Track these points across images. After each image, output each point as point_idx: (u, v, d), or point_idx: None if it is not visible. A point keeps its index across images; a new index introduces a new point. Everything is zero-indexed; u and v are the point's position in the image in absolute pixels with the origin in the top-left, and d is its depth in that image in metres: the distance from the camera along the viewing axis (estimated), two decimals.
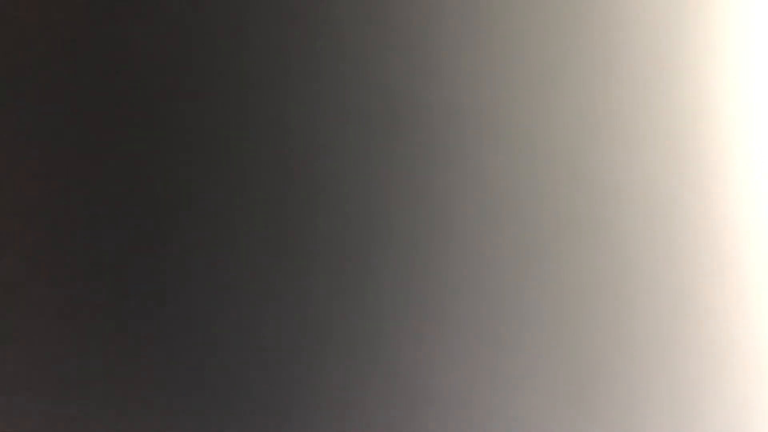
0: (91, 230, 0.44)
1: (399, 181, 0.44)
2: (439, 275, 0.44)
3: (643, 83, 0.45)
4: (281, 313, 0.44)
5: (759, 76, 0.45)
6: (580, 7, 0.45)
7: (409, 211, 0.44)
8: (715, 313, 0.45)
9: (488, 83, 0.44)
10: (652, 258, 0.44)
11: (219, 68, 0.44)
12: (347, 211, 0.44)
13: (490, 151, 0.44)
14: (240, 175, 0.44)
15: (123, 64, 0.44)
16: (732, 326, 0.45)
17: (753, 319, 0.45)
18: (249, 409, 0.43)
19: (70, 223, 0.44)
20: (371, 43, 0.44)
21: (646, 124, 0.45)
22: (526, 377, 0.44)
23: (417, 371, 0.44)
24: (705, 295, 0.45)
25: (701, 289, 0.45)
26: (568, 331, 0.44)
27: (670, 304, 0.44)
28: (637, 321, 0.44)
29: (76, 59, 0.44)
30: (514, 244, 0.44)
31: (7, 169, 0.44)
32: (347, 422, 0.44)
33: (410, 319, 0.44)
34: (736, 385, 0.44)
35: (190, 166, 0.44)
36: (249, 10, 0.44)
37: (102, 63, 0.44)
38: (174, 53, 0.44)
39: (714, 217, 0.45)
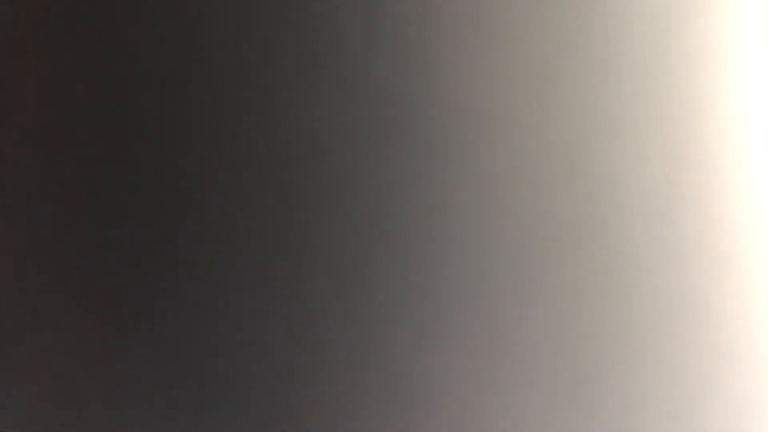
0: (92, 230, 0.44)
1: (398, 182, 0.44)
2: (439, 275, 0.44)
3: (643, 83, 0.45)
4: (281, 313, 0.44)
5: (759, 76, 0.45)
6: (580, 7, 0.45)
7: (409, 211, 0.44)
8: (716, 313, 0.45)
9: (488, 83, 0.44)
10: (652, 258, 0.44)
11: (218, 68, 0.44)
12: (347, 212, 0.44)
13: (489, 151, 0.44)
14: (240, 176, 0.44)
15: (123, 65, 0.44)
16: (732, 326, 0.45)
17: (753, 319, 0.45)
18: (248, 409, 0.44)
19: (71, 224, 0.44)
20: (371, 44, 0.44)
21: (646, 124, 0.45)
22: (526, 377, 0.44)
23: (416, 371, 0.44)
24: (705, 295, 0.45)
25: (701, 289, 0.45)
26: (567, 331, 0.44)
27: (670, 305, 0.44)
28: (636, 321, 0.44)
29: (76, 59, 0.44)
30: (514, 244, 0.44)
31: (7, 169, 0.44)
32: (346, 422, 0.44)
33: (409, 318, 0.44)
34: (736, 385, 0.44)
35: (190, 167, 0.44)
36: (248, 10, 0.44)
37: (101, 63, 0.44)
38: (173, 53, 0.44)
39: (714, 217, 0.45)
